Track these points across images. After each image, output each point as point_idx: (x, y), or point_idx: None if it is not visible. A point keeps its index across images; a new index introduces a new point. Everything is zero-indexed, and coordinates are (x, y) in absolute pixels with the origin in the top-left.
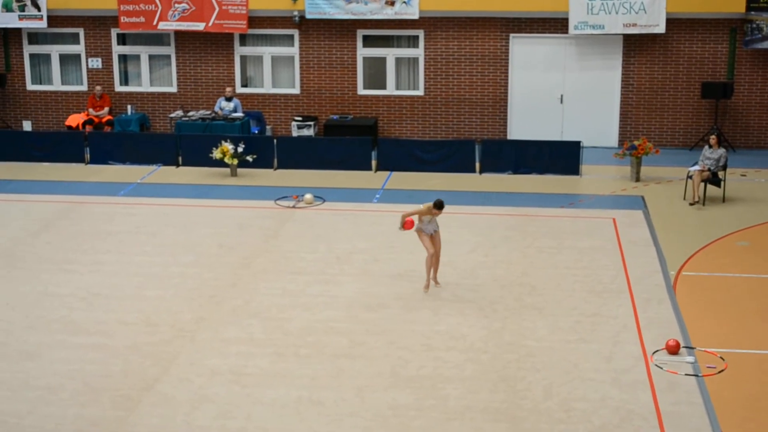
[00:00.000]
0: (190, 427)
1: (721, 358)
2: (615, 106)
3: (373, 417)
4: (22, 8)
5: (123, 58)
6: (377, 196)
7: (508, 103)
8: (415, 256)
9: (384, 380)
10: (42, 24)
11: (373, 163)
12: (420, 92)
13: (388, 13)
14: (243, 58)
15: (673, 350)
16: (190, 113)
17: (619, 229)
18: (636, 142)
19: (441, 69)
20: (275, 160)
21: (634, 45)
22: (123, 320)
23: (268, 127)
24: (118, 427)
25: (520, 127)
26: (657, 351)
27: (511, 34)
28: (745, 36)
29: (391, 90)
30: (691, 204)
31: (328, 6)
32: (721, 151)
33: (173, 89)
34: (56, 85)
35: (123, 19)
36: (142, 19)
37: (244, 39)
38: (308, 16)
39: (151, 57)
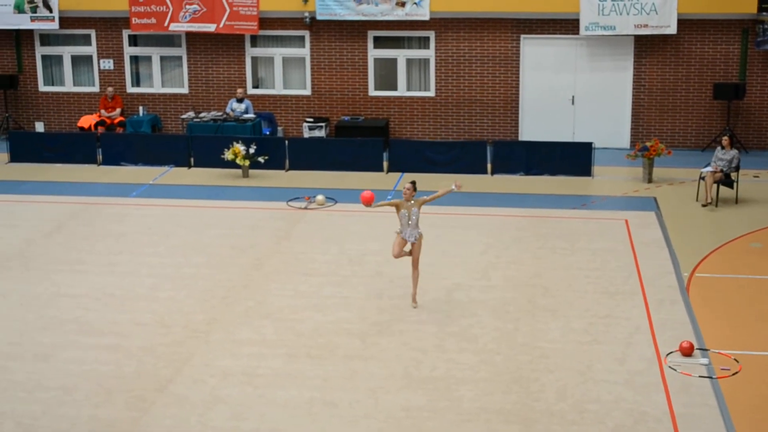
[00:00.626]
0: (204, 428)
1: (735, 359)
2: (627, 107)
3: (386, 418)
4: (33, 9)
5: (134, 60)
6: (389, 197)
7: (520, 104)
8: (428, 258)
9: (397, 381)
10: (54, 25)
11: (385, 164)
12: (431, 93)
13: (399, 14)
14: (254, 60)
15: (687, 352)
16: (202, 114)
17: (631, 231)
18: (648, 144)
19: (452, 70)
20: (287, 162)
21: (646, 46)
22: (136, 321)
23: (279, 128)
24: (132, 427)
25: (532, 129)
26: (671, 353)
27: (522, 35)
28: (756, 37)
29: (402, 91)
30: (703, 205)
31: (339, 7)
32: (734, 152)
33: (185, 90)
34: (68, 87)
35: (134, 20)
36: (154, 21)
37: (255, 40)
38: (319, 17)
39: (162, 58)
